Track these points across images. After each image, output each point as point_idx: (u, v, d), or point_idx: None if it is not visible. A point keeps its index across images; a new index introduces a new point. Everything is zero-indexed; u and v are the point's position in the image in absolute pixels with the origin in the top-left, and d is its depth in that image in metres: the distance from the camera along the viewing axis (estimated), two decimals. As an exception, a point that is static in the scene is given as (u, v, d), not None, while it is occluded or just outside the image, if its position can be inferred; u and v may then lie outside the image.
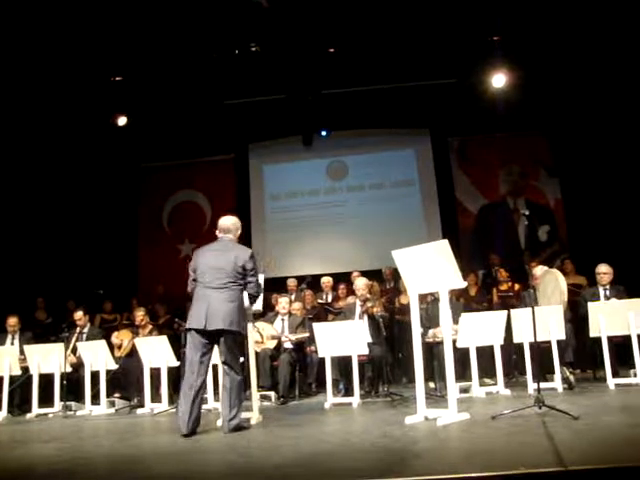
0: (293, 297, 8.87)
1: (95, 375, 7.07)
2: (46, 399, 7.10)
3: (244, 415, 5.13)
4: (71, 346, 7.60)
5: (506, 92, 9.85)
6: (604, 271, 7.10)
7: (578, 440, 3.47)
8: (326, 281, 9.45)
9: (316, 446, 3.82)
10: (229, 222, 5.10)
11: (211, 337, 4.77)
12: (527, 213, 7.97)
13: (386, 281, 9.46)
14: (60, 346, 7.22)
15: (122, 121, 10.43)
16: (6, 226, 10.10)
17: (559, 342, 6.20)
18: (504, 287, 8.98)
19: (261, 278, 5.57)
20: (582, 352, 7.08)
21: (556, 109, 10.69)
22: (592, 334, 6.37)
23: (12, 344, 7.75)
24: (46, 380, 7.16)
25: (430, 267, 4.56)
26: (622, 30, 8.34)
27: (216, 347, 4.86)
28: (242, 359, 5.14)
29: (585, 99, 10.04)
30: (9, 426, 6.42)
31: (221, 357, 4.83)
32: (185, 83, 9.75)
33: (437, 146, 11.92)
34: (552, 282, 6.54)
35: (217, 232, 5.12)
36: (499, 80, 9.73)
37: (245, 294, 4.95)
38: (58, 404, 7.01)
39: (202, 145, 11.83)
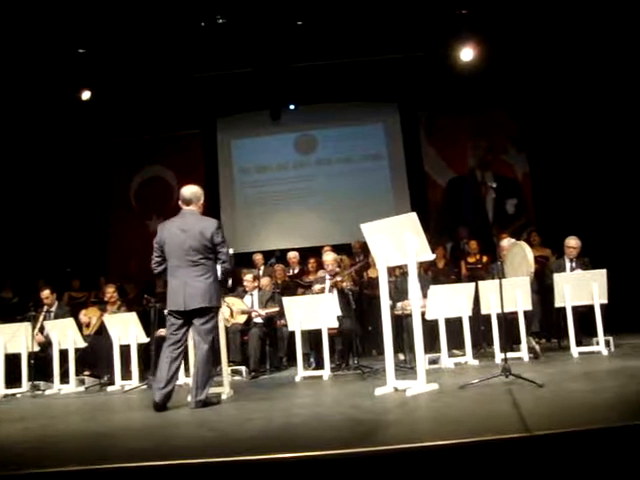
0: (261, 272, 8.85)
1: (64, 354, 7.01)
2: (13, 379, 7.03)
3: (215, 390, 5.15)
4: (38, 325, 7.51)
5: (474, 67, 9.84)
6: (573, 245, 7.17)
7: (542, 406, 3.57)
8: (292, 256, 9.40)
9: (287, 419, 3.84)
10: (188, 192, 4.93)
11: (190, 314, 4.77)
12: (494, 186, 8.07)
13: (355, 255, 9.50)
14: (27, 325, 7.13)
15: (86, 95, 10.19)
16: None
17: (526, 313, 6.32)
18: (472, 259, 9.11)
19: (230, 252, 5.53)
20: (548, 322, 7.23)
21: (523, 84, 10.73)
22: (557, 304, 6.51)
23: (-23, 324, 7.64)
24: (13, 360, 7.07)
25: (398, 240, 4.59)
26: (586, 5, 8.37)
27: None
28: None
29: (552, 74, 10.10)
30: (-24, 407, 6.35)
31: (194, 330, 4.81)
32: (150, 57, 9.54)
33: (406, 120, 11.92)
34: (519, 254, 6.62)
35: (179, 203, 4.98)
36: (467, 54, 9.72)
37: (218, 267, 4.91)
38: (26, 384, 6.95)
39: (168, 120, 11.64)
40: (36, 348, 7.16)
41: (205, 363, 4.73)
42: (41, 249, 10.69)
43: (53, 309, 7.85)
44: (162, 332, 6.98)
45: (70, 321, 7.17)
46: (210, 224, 4.83)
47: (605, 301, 6.34)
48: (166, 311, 4.88)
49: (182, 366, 6.28)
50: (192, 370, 4.84)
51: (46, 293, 7.87)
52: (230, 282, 5.68)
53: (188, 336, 4.91)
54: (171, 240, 4.81)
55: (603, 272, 6.36)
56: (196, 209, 4.94)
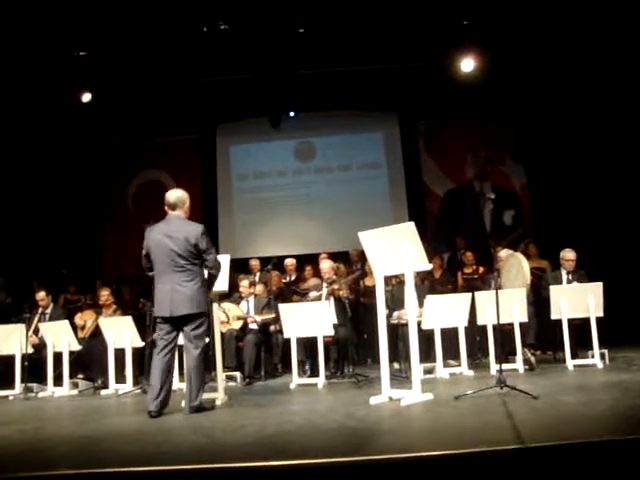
0: (257, 278, 8.83)
1: (58, 356, 6.97)
2: (6, 381, 6.98)
3: (210, 396, 5.13)
4: (33, 327, 7.46)
5: (474, 77, 9.87)
6: (570, 257, 7.14)
7: (537, 418, 3.56)
8: (289, 263, 9.34)
9: (281, 426, 3.82)
10: (173, 197, 4.89)
11: (177, 320, 4.74)
12: (493, 197, 8.07)
13: (353, 263, 9.48)
14: (21, 327, 7.09)
15: (86, 97, 10.18)
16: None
17: (521, 324, 6.33)
18: (469, 270, 9.11)
19: (226, 258, 5.52)
20: (543, 334, 7.23)
21: (522, 96, 10.76)
22: (553, 316, 6.50)
23: (-29, 324, 7.59)
24: (7, 362, 7.04)
25: (396, 249, 4.59)
26: (586, 18, 8.42)
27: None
28: (207, 339, 5.13)
29: (550, 86, 10.14)
30: (-32, 408, 6.31)
31: (185, 336, 4.79)
32: (152, 61, 9.54)
33: (405, 129, 11.94)
34: (516, 265, 6.63)
35: (165, 208, 4.94)
36: (468, 65, 9.73)
37: (206, 273, 4.89)
38: (19, 386, 6.89)
39: (168, 124, 11.64)
40: (30, 350, 7.10)
41: (197, 369, 4.71)
42: (37, 251, 10.65)
43: (48, 311, 7.81)
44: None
45: (65, 323, 7.14)
46: (195, 230, 4.77)
47: (601, 314, 6.34)
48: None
49: (176, 371, 6.31)
50: (185, 375, 4.82)
51: (41, 295, 7.84)
52: (226, 286, 5.62)
53: (177, 340, 4.86)
54: (156, 246, 4.78)
55: (599, 285, 6.36)
56: (182, 213, 4.90)
